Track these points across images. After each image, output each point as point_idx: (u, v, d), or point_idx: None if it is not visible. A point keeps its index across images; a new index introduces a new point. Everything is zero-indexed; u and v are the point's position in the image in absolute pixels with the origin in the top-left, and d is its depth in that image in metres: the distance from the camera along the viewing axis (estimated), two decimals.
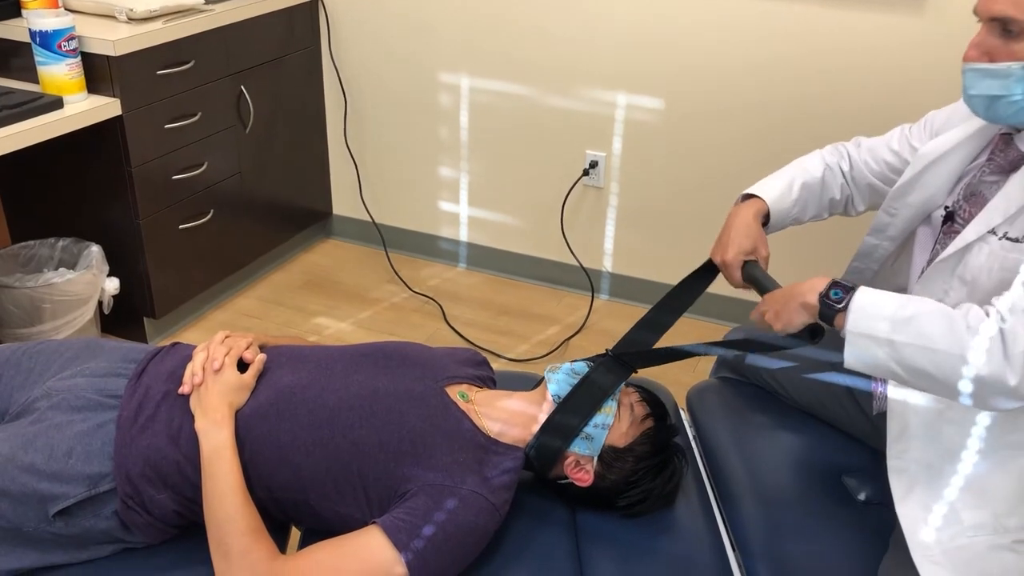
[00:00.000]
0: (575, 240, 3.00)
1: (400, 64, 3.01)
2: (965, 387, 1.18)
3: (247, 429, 1.32)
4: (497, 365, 2.75)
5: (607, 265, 3.01)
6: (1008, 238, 1.27)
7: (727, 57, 2.56)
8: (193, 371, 1.36)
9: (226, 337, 1.43)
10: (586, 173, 2.88)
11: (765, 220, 1.60)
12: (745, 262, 1.54)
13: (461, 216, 3.17)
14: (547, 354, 2.74)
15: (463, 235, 3.20)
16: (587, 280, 3.01)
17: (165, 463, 1.30)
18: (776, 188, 1.61)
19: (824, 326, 1.32)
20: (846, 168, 1.64)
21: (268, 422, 1.32)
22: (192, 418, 1.32)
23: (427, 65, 2.97)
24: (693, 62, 2.61)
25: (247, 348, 1.42)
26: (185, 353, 1.44)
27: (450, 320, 2.90)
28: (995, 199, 1.31)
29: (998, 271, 1.27)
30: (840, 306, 1.26)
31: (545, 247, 3.07)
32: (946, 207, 1.44)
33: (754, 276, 1.52)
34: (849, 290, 1.27)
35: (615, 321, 2.93)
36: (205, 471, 1.27)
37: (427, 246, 3.27)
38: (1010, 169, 1.33)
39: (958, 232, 1.37)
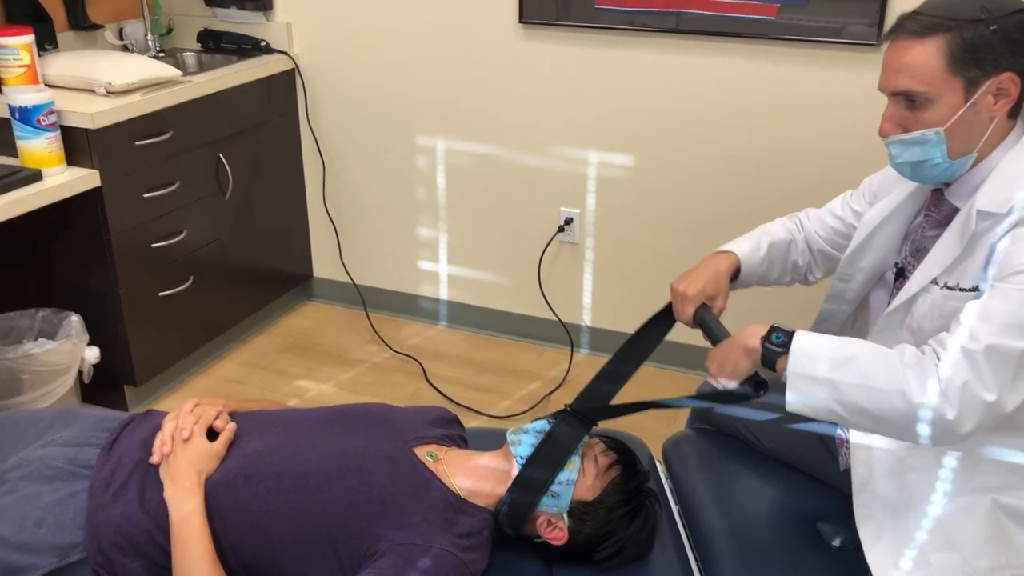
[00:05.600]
0: (553, 295, 3.03)
1: (376, 128, 3.07)
2: (906, 424, 1.20)
3: (216, 497, 1.33)
4: (479, 422, 2.78)
5: (586, 319, 3.04)
6: (947, 287, 1.32)
7: (693, 114, 2.62)
8: (162, 440, 1.38)
9: (196, 406, 1.44)
10: (561, 229, 2.92)
11: (735, 275, 1.65)
12: (700, 305, 1.57)
13: (440, 275, 3.20)
14: (528, 409, 2.75)
15: (443, 293, 3.22)
16: (566, 335, 3.03)
17: (137, 532, 1.30)
18: (746, 245, 1.66)
19: (764, 378, 1.33)
20: (800, 237, 1.70)
21: (236, 489, 1.33)
22: (162, 487, 1.33)
23: (403, 129, 3.03)
24: (661, 119, 2.67)
25: (217, 417, 1.43)
26: (157, 421, 1.46)
27: (431, 379, 2.91)
28: (933, 251, 1.36)
29: (939, 318, 1.32)
30: (781, 350, 1.29)
31: (524, 303, 3.10)
32: (896, 264, 1.50)
33: (705, 321, 1.54)
34: (790, 334, 1.30)
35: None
36: (175, 539, 1.28)
37: (407, 305, 3.29)
38: (945, 222, 1.39)
39: None
